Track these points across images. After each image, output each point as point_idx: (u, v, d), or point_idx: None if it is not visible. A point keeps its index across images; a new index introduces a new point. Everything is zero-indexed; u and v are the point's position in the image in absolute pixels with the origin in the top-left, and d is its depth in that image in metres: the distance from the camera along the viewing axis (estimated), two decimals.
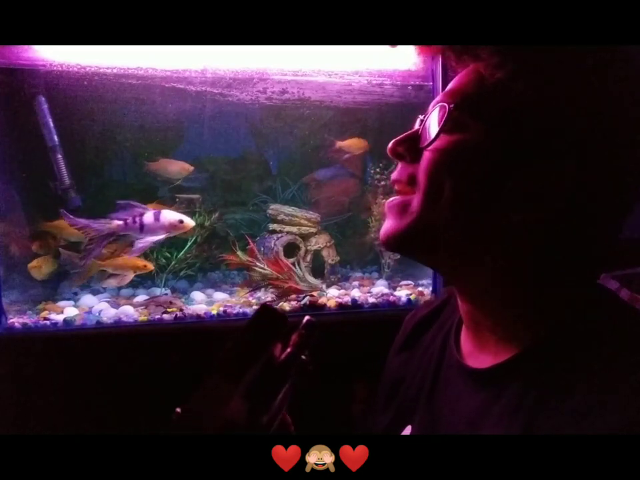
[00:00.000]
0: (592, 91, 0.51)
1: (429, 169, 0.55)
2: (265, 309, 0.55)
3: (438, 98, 0.57)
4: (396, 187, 0.60)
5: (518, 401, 0.52)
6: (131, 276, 1.46)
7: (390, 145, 0.60)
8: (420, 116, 0.60)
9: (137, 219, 1.37)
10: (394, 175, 0.60)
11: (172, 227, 1.40)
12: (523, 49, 0.52)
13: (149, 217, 1.38)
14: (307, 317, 0.58)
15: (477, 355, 0.61)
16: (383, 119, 1.71)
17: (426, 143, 0.55)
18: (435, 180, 0.54)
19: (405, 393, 0.71)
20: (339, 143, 1.64)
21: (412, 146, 0.58)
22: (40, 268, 1.43)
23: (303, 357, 0.56)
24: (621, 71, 0.52)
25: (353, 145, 1.65)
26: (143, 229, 1.37)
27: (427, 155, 0.56)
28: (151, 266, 1.48)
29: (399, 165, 0.60)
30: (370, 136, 1.74)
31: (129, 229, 1.37)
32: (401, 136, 0.60)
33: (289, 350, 0.56)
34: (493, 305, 0.58)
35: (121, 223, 1.36)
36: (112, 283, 1.47)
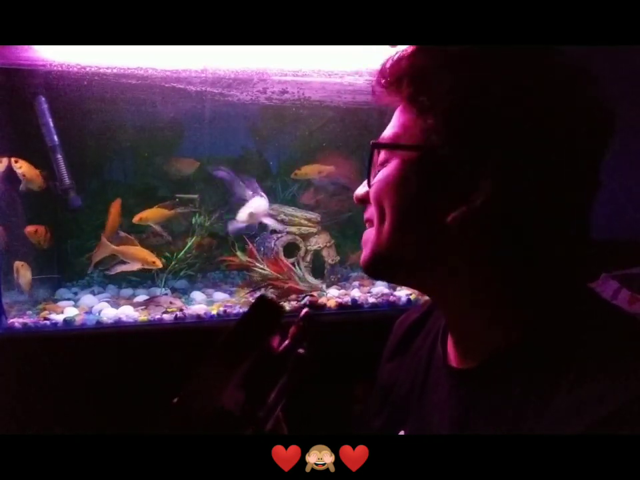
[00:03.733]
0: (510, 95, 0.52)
1: (373, 201, 0.61)
2: (262, 300, 0.55)
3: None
4: (367, 225, 0.66)
5: (501, 401, 0.52)
6: (137, 266, 1.48)
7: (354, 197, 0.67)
8: None
9: None
10: (365, 216, 0.66)
11: None
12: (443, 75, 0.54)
13: None
14: (304, 310, 0.59)
15: (462, 357, 0.62)
16: (382, 118, 1.71)
17: (370, 184, 0.62)
18: (378, 208, 0.60)
19: (396, 397, 0.72)
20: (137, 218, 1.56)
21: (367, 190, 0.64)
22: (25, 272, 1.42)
23: (301, 350, 0.56)
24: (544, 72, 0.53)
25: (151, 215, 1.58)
26: None
27: (371, 191, 0.61)
28: (159, 263, 1.49)
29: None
30: (370, 136, 1.73)
31: None
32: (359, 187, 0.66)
33: (286, 342, 0.56)
34: (469, 309, 0.59)
35: None
36: (118, 268, 1.49)
